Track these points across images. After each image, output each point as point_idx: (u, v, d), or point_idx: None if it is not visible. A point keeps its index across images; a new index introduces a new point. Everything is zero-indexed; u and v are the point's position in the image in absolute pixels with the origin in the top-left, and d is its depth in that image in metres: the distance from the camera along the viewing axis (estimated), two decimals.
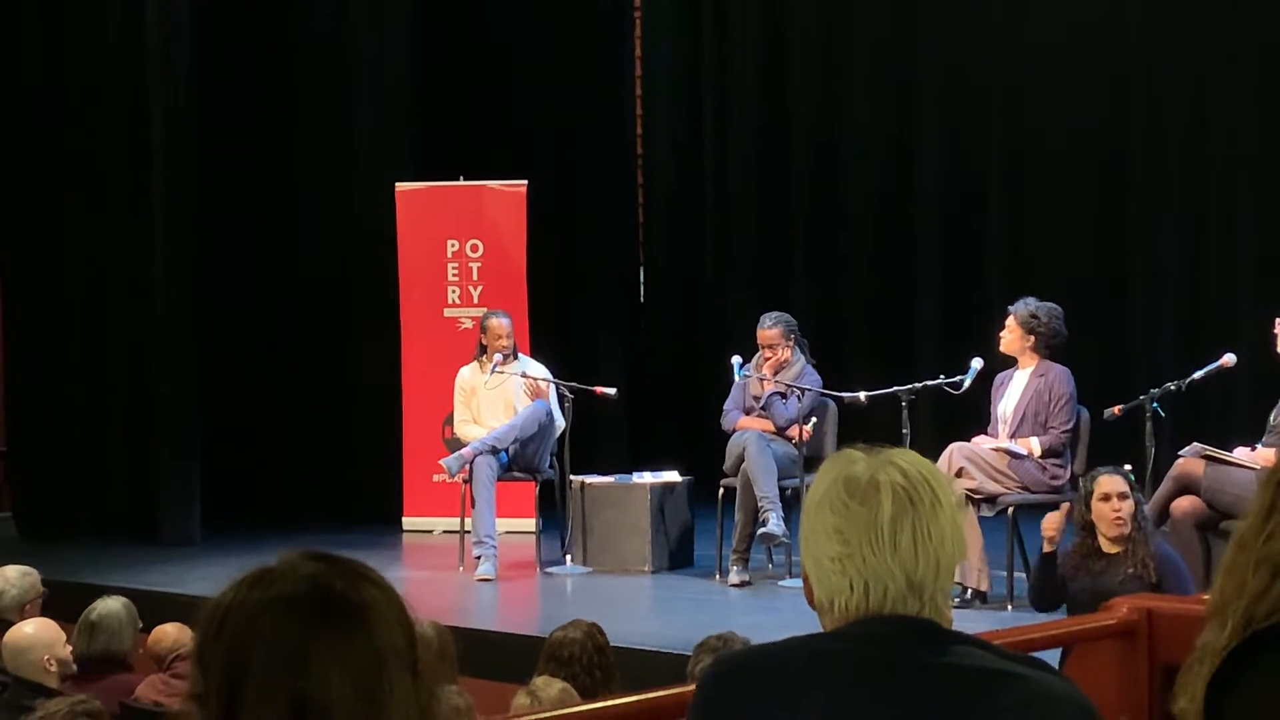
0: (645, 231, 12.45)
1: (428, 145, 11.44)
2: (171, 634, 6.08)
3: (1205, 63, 10.24)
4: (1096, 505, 6.27)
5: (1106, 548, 6.26)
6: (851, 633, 2.04)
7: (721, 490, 8.86)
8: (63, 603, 6.84)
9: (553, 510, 9.41)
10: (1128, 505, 6.25)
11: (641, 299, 12.48)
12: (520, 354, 9.53)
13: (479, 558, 8.92)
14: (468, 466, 9.05)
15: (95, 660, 6.05)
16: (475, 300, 10.62)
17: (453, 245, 10.68)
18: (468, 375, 9.56)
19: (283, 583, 1.75)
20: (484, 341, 9.47)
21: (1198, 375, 7.76)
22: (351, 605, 1.74)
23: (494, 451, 9.08)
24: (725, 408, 9.06)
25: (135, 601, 6.41)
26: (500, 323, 9.43)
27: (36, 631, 5.91)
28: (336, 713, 1.70)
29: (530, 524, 9.40)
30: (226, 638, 1.73)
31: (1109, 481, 6.29)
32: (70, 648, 5.96)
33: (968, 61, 11.09)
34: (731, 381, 9.03)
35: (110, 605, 6.20)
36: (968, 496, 7.69)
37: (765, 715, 2.04)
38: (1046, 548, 6.44)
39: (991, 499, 7.86)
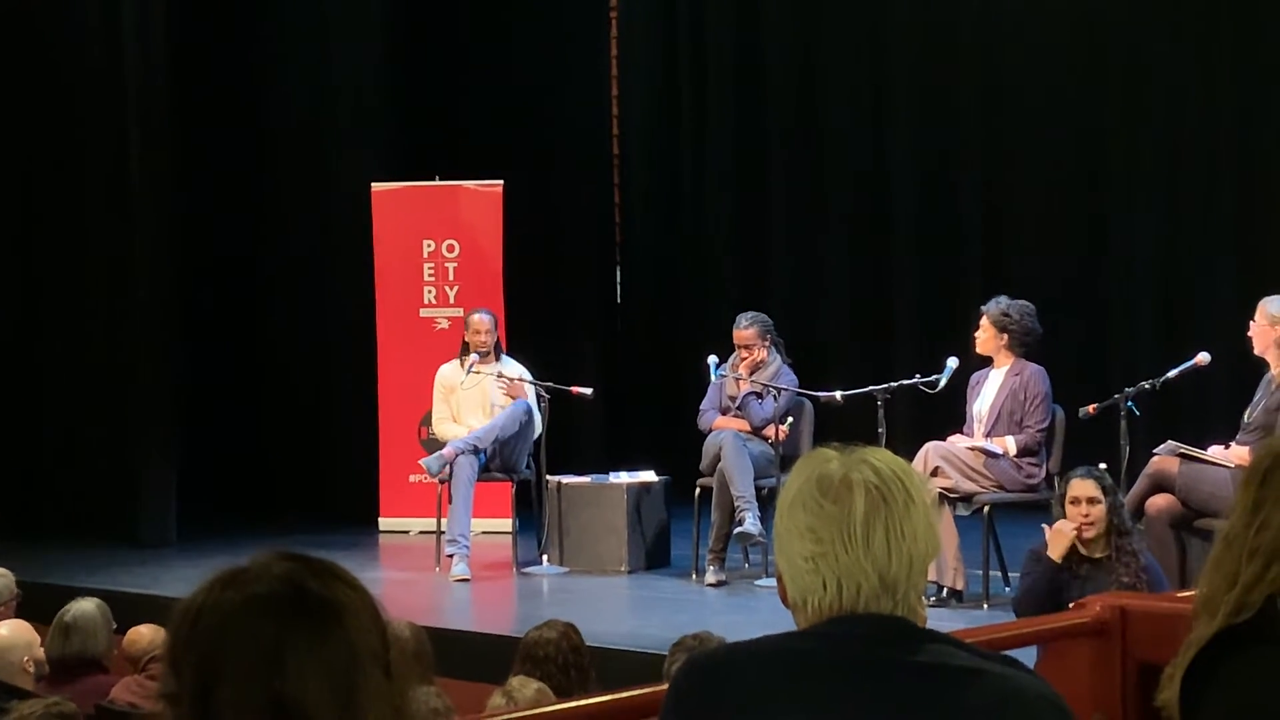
0: (621, 231, 12.45)
1: (403, 145, 11.43)
2: (147, 635, 6.06)
3: (1182, 61, 10.26)
4: (1067, 508, 6.27)
5: (1086, 550, 6.26)
6: (825, 631, 2.04)
7: (698, 490, 8.85)
8: (37, 604, 6.81)
9: (529, 510, 9.40)
10: (1097, 510, 6.22)
11: (618, 299, 12.47)
12: (503, 354, 9.50)
13: (451, 556, 8.91)
14: (448, 466, 9.04)
15: (70, 662, 6.02)
16: (451, 300, 10.61)
17: (429, 245, 10.66)
18: (448, 373, 9.54)
19: (256, 583, 1.74)
20: (467, 338, 9.46)
21: (1172, 374, 7.78)
22: (326, 604, 1.74)
23: (475, 451, 9.07)
24: (702, 407, 9.06)
25: (111, 603, 6.38)
26: (480, 318, 9.41)
27: (11, 633, 5.88)
28: (312, 712, 1.69)
29: (507, 524, 9.40)
30: (200, 638, 1.72)
31: (1079, 485, 6.27)
32: (44, 649, 5.93)
33: (945, 61, 11.09)
34: (708, 381, 9.03)
35: (85, 607, 6.17)
36: (943, 495, 7.71)
37: (738, 714, 2.04)
38: (1054, 557, 6.23)
39: (967, 498, 7.87)
